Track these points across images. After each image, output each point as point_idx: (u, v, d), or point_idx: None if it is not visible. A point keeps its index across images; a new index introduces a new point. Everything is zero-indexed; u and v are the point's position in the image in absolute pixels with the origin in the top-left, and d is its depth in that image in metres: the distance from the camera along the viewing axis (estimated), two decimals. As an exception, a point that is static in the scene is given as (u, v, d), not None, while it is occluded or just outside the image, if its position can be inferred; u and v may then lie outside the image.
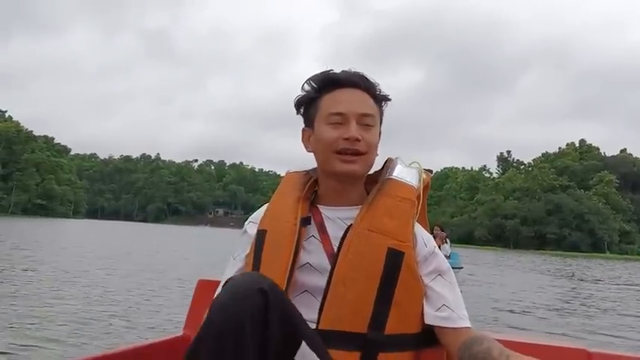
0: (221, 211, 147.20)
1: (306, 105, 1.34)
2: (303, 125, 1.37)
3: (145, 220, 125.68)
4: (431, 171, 1.39)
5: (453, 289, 1.27)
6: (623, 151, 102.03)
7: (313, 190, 1.37)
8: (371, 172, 1.35)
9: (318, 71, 1.34)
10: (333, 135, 1.27)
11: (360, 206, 1.29)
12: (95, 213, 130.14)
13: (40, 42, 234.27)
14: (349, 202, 1.32)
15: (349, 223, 1.27)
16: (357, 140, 1.26)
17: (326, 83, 1.31)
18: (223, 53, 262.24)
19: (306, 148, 1.36)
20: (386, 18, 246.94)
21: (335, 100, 1.29)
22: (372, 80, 1.32)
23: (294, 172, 1.44)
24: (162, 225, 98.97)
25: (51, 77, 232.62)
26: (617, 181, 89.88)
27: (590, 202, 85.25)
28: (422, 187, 1.32)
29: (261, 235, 1.32)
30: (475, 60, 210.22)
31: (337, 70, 1.33)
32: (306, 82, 1.34)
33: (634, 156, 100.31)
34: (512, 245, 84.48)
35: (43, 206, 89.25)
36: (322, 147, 1.29)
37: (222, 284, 1.35)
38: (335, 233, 1.28)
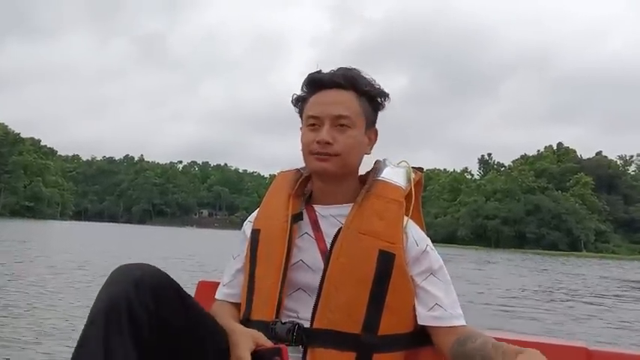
0: (206, 212, 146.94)
1: (300, 106, 1.37)
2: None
3: (129, 222, 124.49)
4: (421, 169, 1.38)
5: (445, 287, 1.25)
6: (599, 153, 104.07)
7: (304, 187, 1.38)
8: (362, 172, 1.36)
9: (306, 76, 1.34)
10: (309, 138, 1.29)
11: (352, 204, 1.29)
12: (79, 214, 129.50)
13: (32, 46, 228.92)
14: (340, 199, 1.31)
15: (342, 221, 1.27)
16: (328, 144, 1.26)
17: (312, 85, 1.33)
18: (216, 57, 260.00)
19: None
20: (374, 25, 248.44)
21: (313, 103, 1.31)
22: (361, 78, 1.31)
23: (285, 171, 1.45)
24: (148, 226, 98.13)
25: (41, 80, 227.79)
26: (593, 182, 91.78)
27: (568, 203, 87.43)
28: (413, 185, 1.31)
29: (255, 234, 1.33)
30: (459, 65, 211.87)
31: (330, 68, 1.34)
32: (302, 83, 1.36)
33: (609, 158, 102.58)
34: (493, 244, 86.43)
35: (31, 208, 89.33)
36: (302, 148, 1.32)
37: (222, 284, 1.41)
38: (328, 231, 1.28)
